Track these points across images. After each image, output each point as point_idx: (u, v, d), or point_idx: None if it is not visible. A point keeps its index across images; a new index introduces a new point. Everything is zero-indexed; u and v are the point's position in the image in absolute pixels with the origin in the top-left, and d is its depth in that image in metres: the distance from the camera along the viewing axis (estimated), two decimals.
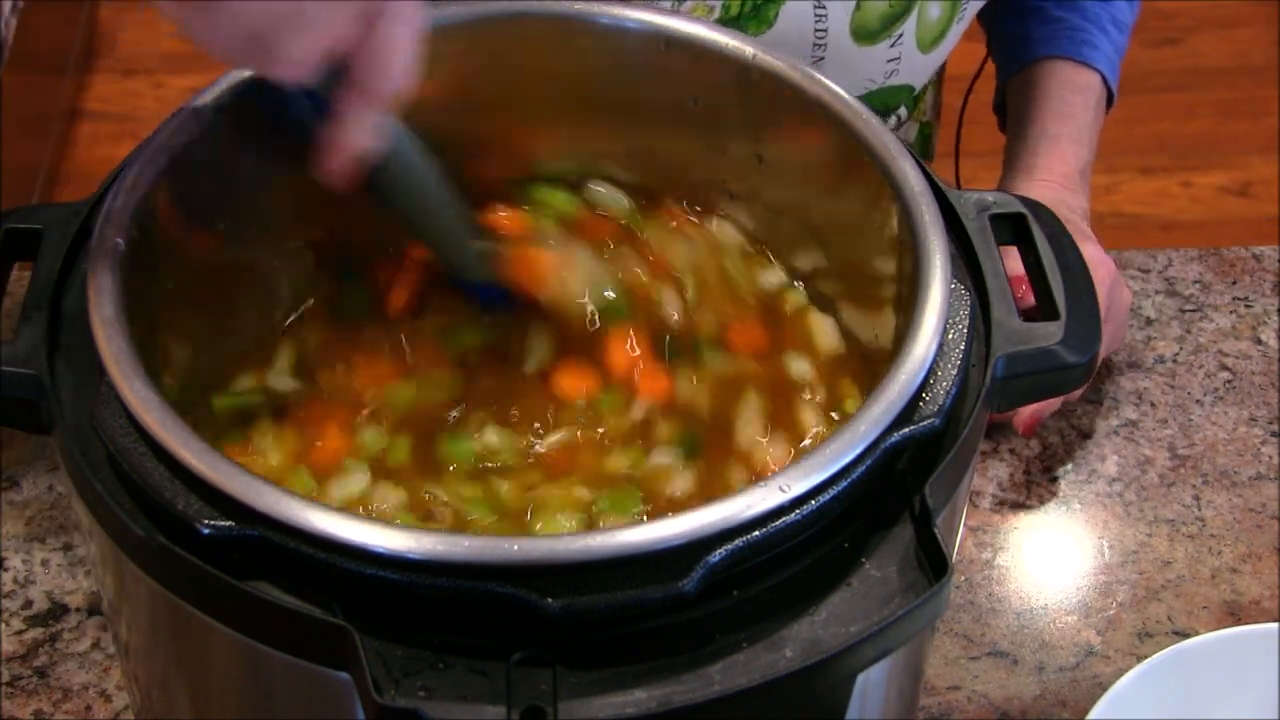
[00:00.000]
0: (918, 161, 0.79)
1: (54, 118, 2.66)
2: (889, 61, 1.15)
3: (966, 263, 0.78)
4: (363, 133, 0.76)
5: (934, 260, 0.74)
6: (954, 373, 0.72)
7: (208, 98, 0.80)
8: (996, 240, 0.79)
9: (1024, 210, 0.80)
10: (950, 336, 0.73)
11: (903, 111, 1.23)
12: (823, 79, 0.82)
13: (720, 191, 0.90)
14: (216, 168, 0.80)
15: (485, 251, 0.86)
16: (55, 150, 2.62)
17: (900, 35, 1.14)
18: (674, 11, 0.86)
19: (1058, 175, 1.17)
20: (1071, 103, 1.21)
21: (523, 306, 0.85)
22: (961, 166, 1.38)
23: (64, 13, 2.78)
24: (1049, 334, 0.75)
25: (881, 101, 1.19)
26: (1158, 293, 1.19)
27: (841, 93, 0.82)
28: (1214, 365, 1.15)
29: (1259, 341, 1.17)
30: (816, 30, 1.11)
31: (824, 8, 1.10)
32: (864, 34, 1.13)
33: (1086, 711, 0.87)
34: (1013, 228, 0.80)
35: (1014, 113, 1.24)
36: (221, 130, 0.80)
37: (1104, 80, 1.22)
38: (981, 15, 1.24)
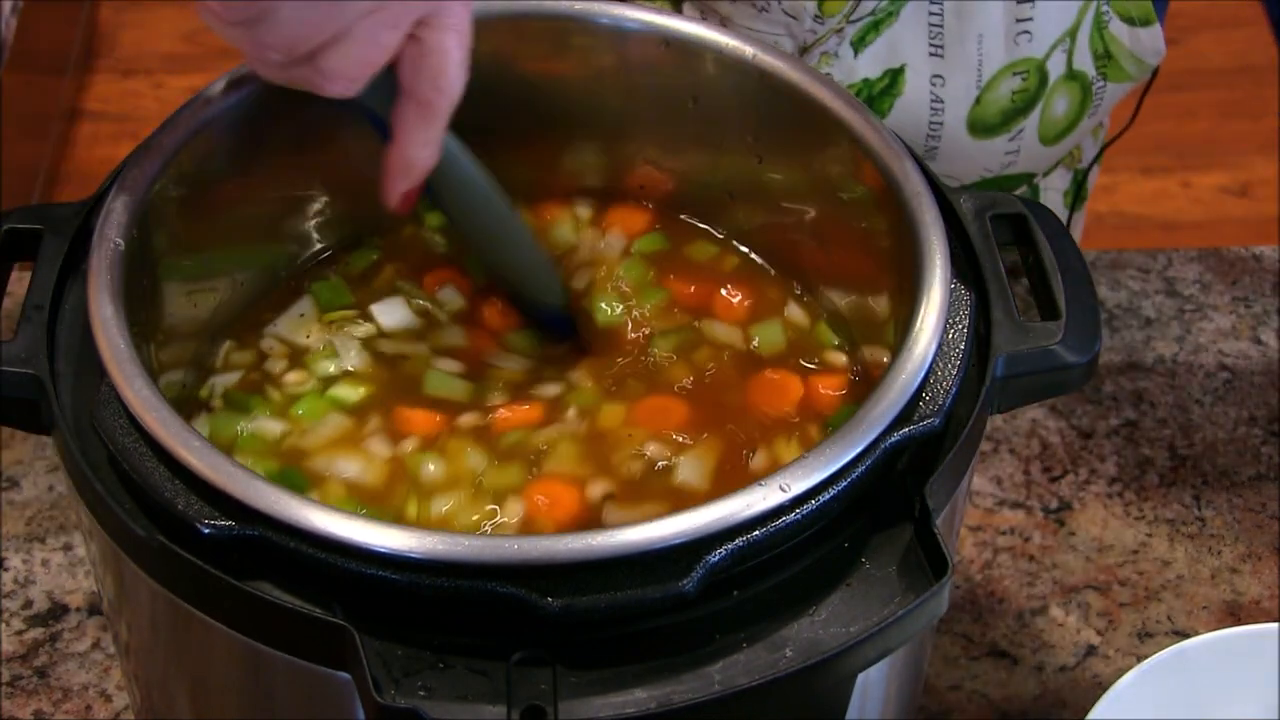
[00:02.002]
0: (918, 161, 0.79)
1: (54, 118, 2.66)
2: (1007, 154, 1.13)
3: (967, 263, 0.78)
4: (422, 148, 0.75)
5: (934, 260, 0.74)
6: (954, 373, 0.72)
7: (208, 97, 0.80)
8: (996, 240, 0.79)
9: (1024, 210, 0.80)
10: (950, 336, 0.73)
11: (1023, 189, 1.20)
12: (823, 79, 0.82)
13: (720, 191, 0.90)
14: (217, 168, 0.80)
15: (554, 274, 0.86)
16: (55, 150, 2.62)
17: (1021, 130, 1.12)
18: (673, 11, 0.86)
19: None
20: None
21: (583, 337, 0.85)
22: None
23: (64, 13, 2.78)
24: (1049, 334, 0.75)
25: (997, 188, 1.15)
26: (1158, 293, 1.19)
27: (842, 92, 0.82)
28: (1214, 365, 1.15)
29: (1259, 341, 1.17)
30: (931, 123, 1.09)
31: (941, 101, 1.09)
32: (981, 128, 1.11)
33: (1086, 711, 0.87)
34: (1013, 228, 0.80)
35: None
36: (222, 130, 0.80)
37: None
38: None
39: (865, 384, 0.83)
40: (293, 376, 0.82)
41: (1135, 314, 1.18)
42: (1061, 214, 1.24)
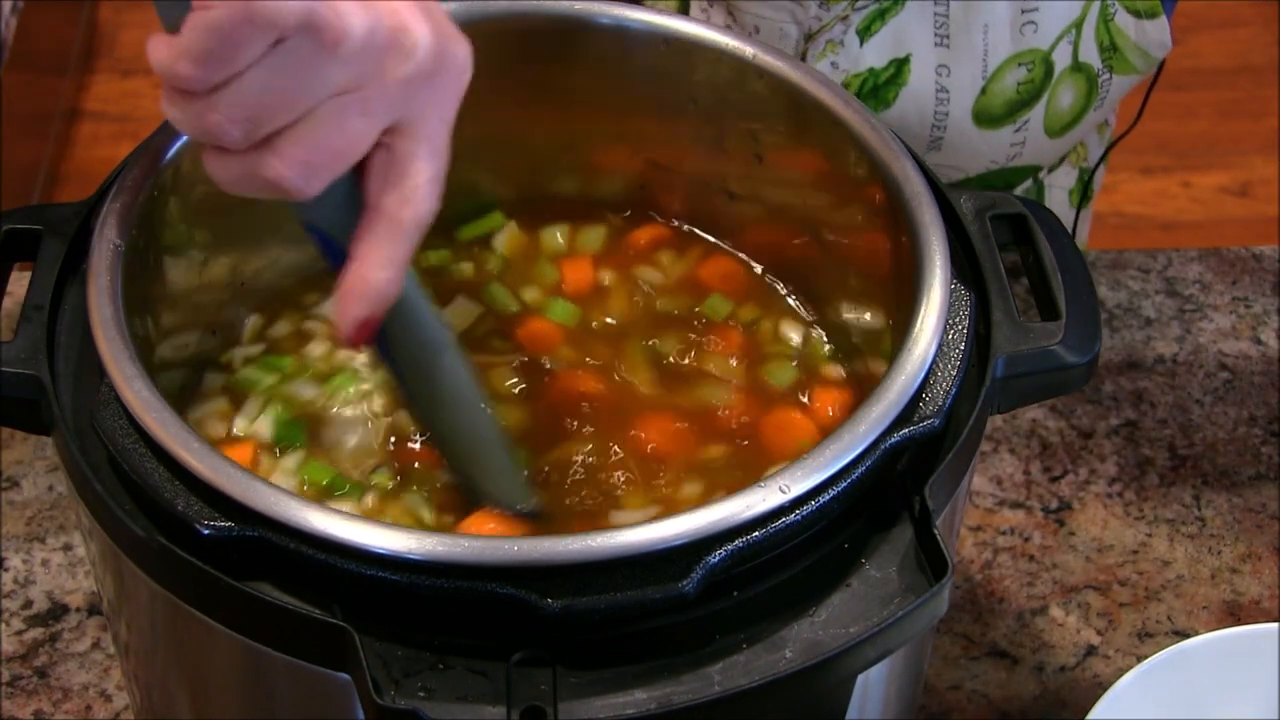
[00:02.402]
0: (918, 161, 0.79)
1: (54, 118, 2.66)
2: (1012, 145, 1.13)
3: (967, 263, 0.78)
4: (384, 269, 0.67)
5: (934, 260, 0.74)
6: (954, 373, 0.72)
7: None
8: (996, 240, 0.79)
9: (1024, 210, 0.80)
10: (950, 336, 0.73)
11: (1029, 183, 1.20)
12: (824, 79, 0.82)
13: (720, 192, 0.90)
14: None
15: (520, 476, 0.76)
16: (55, 150, 2.62)
17: (1026, 121, 1.12)
18: (674, 12, 0.86)
19: None
20: None
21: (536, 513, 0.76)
22: None
23: (64, 13, 2.78)
24: (1049, 334, 0.75)
25: (1003, 180, 1.16)
26: (1158, 293, 1.19)
27: (842, 92, 0.82)
28: (1214, 365, 1.15)
29: (1259, 341, 1.17)
30: (937, 113, 1.09)
31: (946, 91, 1.09)
32: (987, 119, 1.11)
33: (1086, 711, 0.87)
34: (1013, 228, 0.80)
35: None
36: None
37: None
38: None
39: (861, 389, 0.83)
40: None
41: (1135, 314, 1.18)
42: (1067, 213, 1.24)
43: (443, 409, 0.75)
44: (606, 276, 0.89)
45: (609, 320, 0.87)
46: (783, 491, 0.65)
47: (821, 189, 0.85)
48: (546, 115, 0.89)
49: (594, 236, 0.91)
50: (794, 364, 0.85)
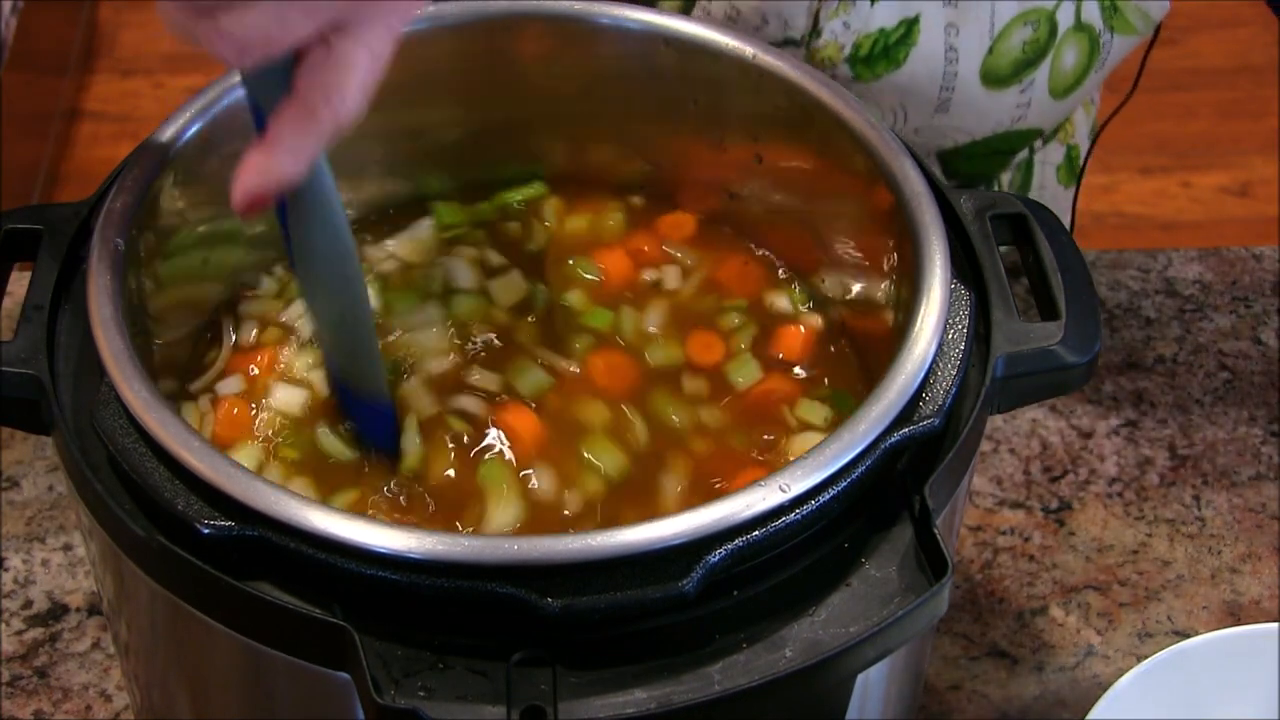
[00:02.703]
0: (918, 161, 0.79)
1: (54, 118, 2.66)
2: (1018, 107, 1.14)
3: (967, 263, 0.78)
4: (288, 156, 0.67)
5: (934, 260, 0.74)
6: (954, 373, 0.72)
7: (208, 97, 0.80)
8: (996, 240, 0.79)
9: (1024, 210, 0.80)
10: (950, 336, 0.73)
11: (1025, 153, 1.21)
12: (824, 79, 0.82)
13: (721, 191, 0.90)
14: (215, 166, 0.80)
15: (380, 365, 0.79)
16: (55, 150, 2.62)
17: (1032, 81, 1.12)
18: (675, 12, 0.86)
19: None
20: None
21: (393, 451, 0.79)
22: None
23: (64, 13, 2.78)
24: (1049, 334, 0.75)
25: (1008, 145, 1.17)
26: (1158, 293, 1.19)
27: (842, 92, 0.82)
28: (1214, 365, 1.15)
29: (1259, 341, 1.17)
30: (946, 73, 1.10)
31: (955, 51, 1.09)
32: (994, 79, 1.11)
33: (1086, 711, 0.87)
34: (1013, 228, 0.80)
35: None
36: (221, 129, 0.80)
37: None
38: None
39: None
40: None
41: (1135, 314, 1.18)
42: (1057, 189, 1.25)
43: (326, 297, 0.77)
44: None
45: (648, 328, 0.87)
46: (783, 490, 0.65)
47: (822, 189, 0.85)
48: (546, 114, 0.89)
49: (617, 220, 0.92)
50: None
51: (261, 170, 0.67)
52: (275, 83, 0.67)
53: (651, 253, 0.90)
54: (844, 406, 0.81)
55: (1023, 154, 1.20)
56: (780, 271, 0.89)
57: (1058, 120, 1.20)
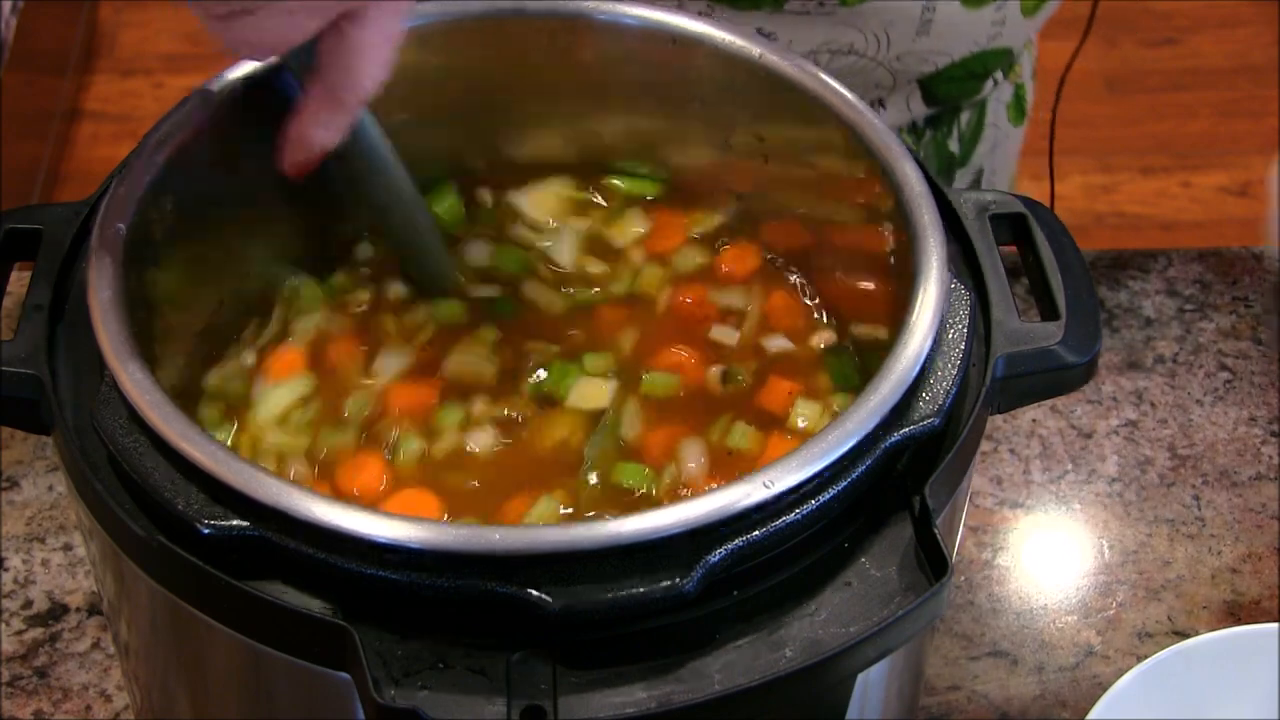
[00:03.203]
0: (918, 162, 0.79)
1: (54, 118, 2.66)
2: (993, 25, 1.16)
3: (967, 263, 0.78)
4: (321, 129, 0.76)
5: (930, 260, 0.74)
6: (954, 372, 0.72)
7: (210, 91, 0.80)
8: (996, 240, 0.79)
9: (1024, 210, 0.80)
10: (950, 336, 0.73)
11: (999, 74, 1.24)
12: (828, 79, 0.82)
13: (726, 191, 0.90)
14: (217, 160, 0.80)
15: (449, 260, 0.86)
16: (55, 150, 2.62)
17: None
18: (680, 9, 0.86)
19: None
20: None
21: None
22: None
23: (64, 13, 2.78)
24: (1049, 334, 0.75)
25: (981, 65, 1.20)
26: (1158, 293, 1.19)
27: (845, 93, 0.82)
28: (1214, 365, 1.15)
29: (1259, 341, 1.17)
30: None
31: None
32: None
33: (1086, 711, 0.87)
34: (1013, 228, 0.80)
35: None
36: (223, 123, 0.80)
37: None
38: None
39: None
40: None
41: (1135, 314, 1.18)
42: (1007, 127, 1.28)
43: (389, 214, 0.84)
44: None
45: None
46: (766, 486, 0.65)
47: (824, 189, 0.85)
48: (551, 112, 0.89)
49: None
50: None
51: (303, 145, 0.76)
52: (302, 53, 0.74)
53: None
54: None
55: (986, 86, 1.22)
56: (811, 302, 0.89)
57: (1025, 38, 1.23)
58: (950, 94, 1.20)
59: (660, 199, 0.91)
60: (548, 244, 0.90)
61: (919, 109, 1.19)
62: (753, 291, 0.87)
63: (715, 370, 0.83)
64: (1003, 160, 1.29)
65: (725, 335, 0.85)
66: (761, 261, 0.89)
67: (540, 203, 0.91)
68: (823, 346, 0.85)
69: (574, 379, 0.82)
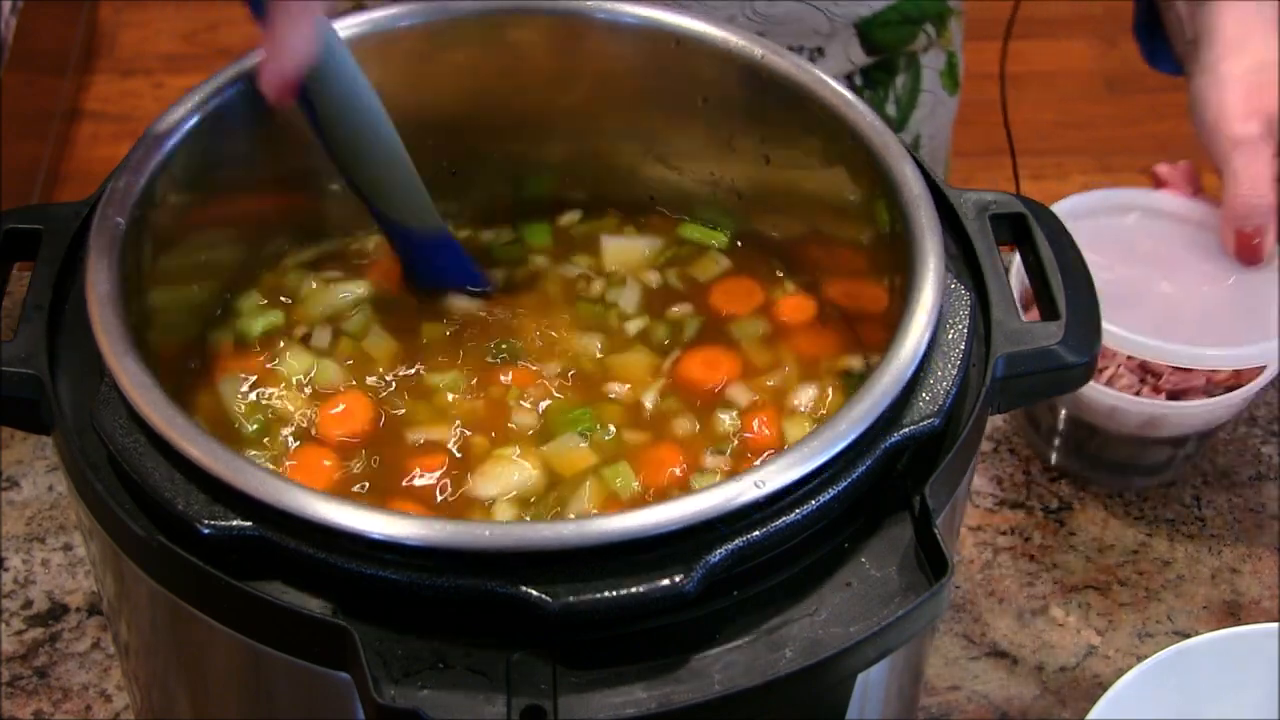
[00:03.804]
0: (917, 162, 0.79)
1: (54, 118, 2.66)
2: None
3: (966, 263, 0.78)
4: (295, 38, 0.76)
5: (928, 260, 0.74)
6: (954, 372, 0.72)
7: (209, 88, 0.80)
8: (996, 240, 0.79)
9: (1024, 210, 0.80)
10: (950, 336, 0.73)
11: (931, 30, 1.25)
12: (829, 80, 0.82)
13: (728, 191, 0.90)
14: (216, 156, 0.80)
15: (425, 195, 0.85)
16: (55, 150, 2.62)
17: None
18: (684, 9, 0.86)
19: None
20: None
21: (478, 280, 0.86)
22: (954, 167, 1.37)
23: (64, 13, 2.78)
24: (1049, 334, 0.75)
25: (918, 10, 1.21)
26: None
27: (846, 94, 0.82)
28: None
29: None
30: None
31: None
32: None
33: (1086, 711, 0.87)
34: (1013, 228, 0.80)
35: None
36: (222, 120, 0.80)
37: None
38: None
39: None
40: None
41: None
42: (941, 94, 1.29)
43: (364, 159, 0.83)
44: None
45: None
46: (757, 486, 0.65)
47: (825, 190, 0.85)
48: (554, 111, 0.90)
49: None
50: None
51: (275, 61, 0.77)
52: None
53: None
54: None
55: (920, 38, 1.23)
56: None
57: None
58: (887, 40, 1.21)
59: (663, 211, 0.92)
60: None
61: (858, 56, 1.20)
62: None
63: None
64: (939, 126, 1.31)
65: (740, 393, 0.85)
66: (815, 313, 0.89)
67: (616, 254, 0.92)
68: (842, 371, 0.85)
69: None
